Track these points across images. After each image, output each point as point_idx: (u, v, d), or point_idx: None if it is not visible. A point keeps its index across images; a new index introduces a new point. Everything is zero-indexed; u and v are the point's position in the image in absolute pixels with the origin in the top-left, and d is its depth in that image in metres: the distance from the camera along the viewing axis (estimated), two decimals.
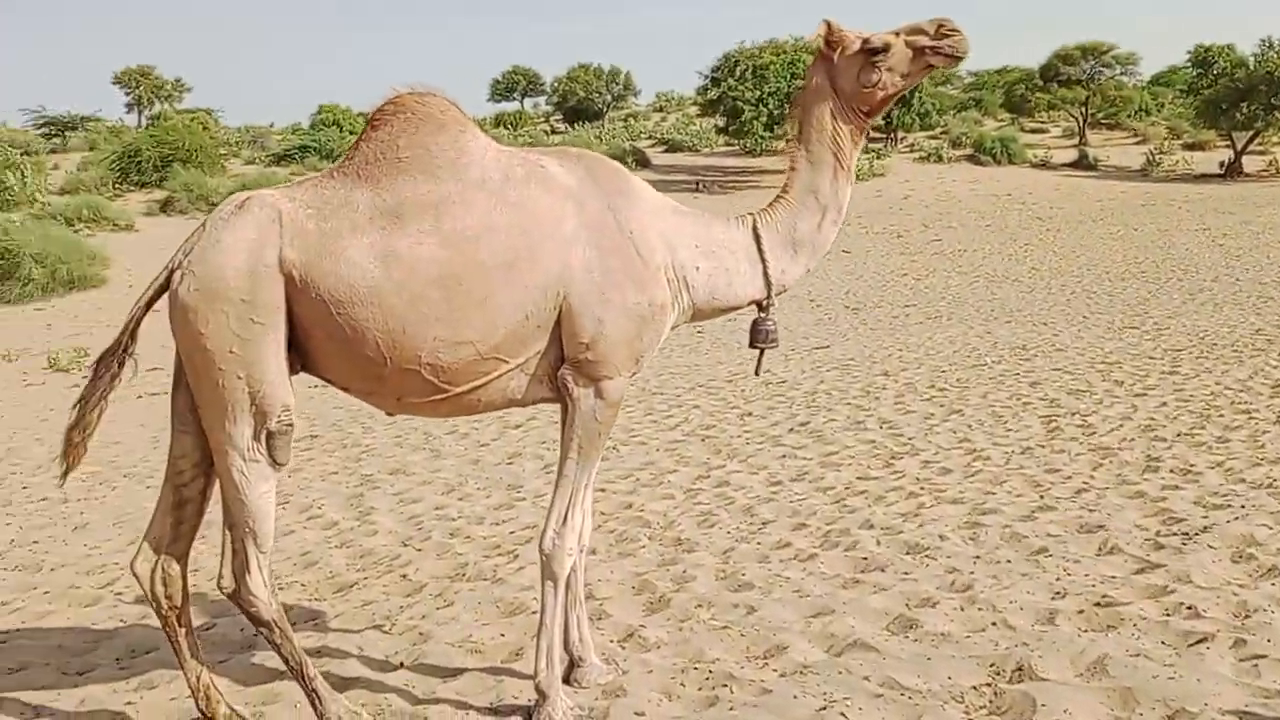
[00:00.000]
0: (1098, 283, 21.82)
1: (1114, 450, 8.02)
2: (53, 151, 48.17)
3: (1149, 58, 75.26)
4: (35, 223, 25.89)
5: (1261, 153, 46.50)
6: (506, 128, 56.59)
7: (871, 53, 3.89)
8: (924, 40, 3.87)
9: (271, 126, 58.06)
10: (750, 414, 10.18)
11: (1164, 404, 9.70)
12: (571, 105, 59.82)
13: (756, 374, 4.38)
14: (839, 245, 30.63)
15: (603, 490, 7.39)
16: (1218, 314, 16.51)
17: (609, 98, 59.55)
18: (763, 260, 4.01)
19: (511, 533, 6.55)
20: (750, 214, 4.11)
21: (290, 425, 3.64)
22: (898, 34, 3.91)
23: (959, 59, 3.90)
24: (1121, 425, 8.90)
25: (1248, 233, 28.89)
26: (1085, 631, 4.70)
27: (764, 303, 4.11)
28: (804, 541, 6.11)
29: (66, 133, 52.77)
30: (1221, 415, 8.93)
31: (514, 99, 71.83)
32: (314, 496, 7.63)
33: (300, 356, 3.71)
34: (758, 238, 4.02)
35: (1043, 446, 8.30)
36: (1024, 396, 10.44)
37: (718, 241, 4.00)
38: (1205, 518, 6.12)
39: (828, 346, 15.13)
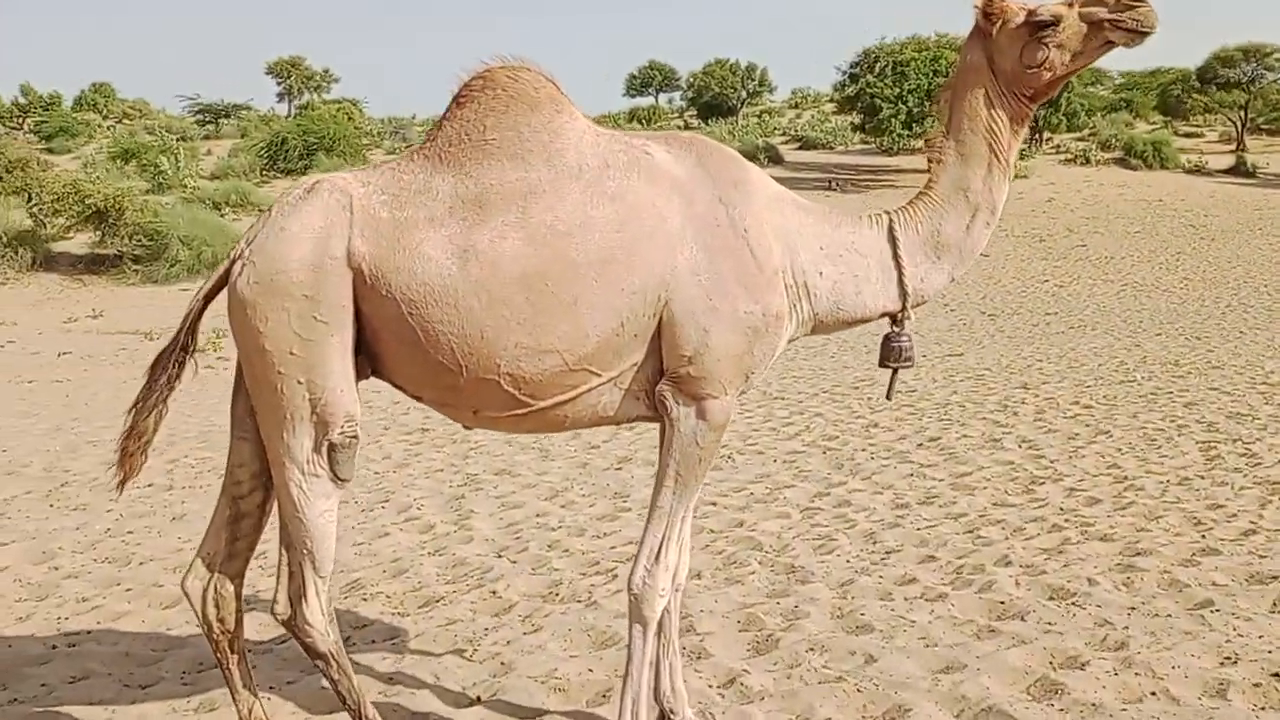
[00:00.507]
0: (1255, 296, 20.38)
1: None
2: (206, 138, 49.68)
3: None
4: (185, 206, 26.50)
5: None
6: (640, 123, 56.27)
7: (1039, 26, 3.27)
8: (1102, 12, 3.23)
9: (414, 118, 58.84)
10: (876, 425, 9.53)
11: None
12: (706, 100, 59.06)
13: (888, 397, 3.77)
14: None
15: (713, 504, 6.86)
16: None
17: (744, 94, 58.65)
18: (898, 266, 3.42)
19: (612, 548, 6.07)
20: (887, 212, 3.51)
21: (355, 437, 3.21)
22: (1071, 4, 3.28)
23: (1145, 34, 3.21)
24: None
25: None
26: (1262, 709, 4.00)
27: (898, 315, 3.53)
28: (932, 577, 5.47)
29: (220, 120, 54.37)
30: None
31: (649, 94, 71.52)
32: (415, 496, 7.28)
33: (370, 360, 3.27)
34: (894, 240, 3.43)
35: (1202, 477, 7.48)
36: (1178, 419, 9.55)
37: (846, 243, 3.42)
38: None
39: (961, 354, 14.29)
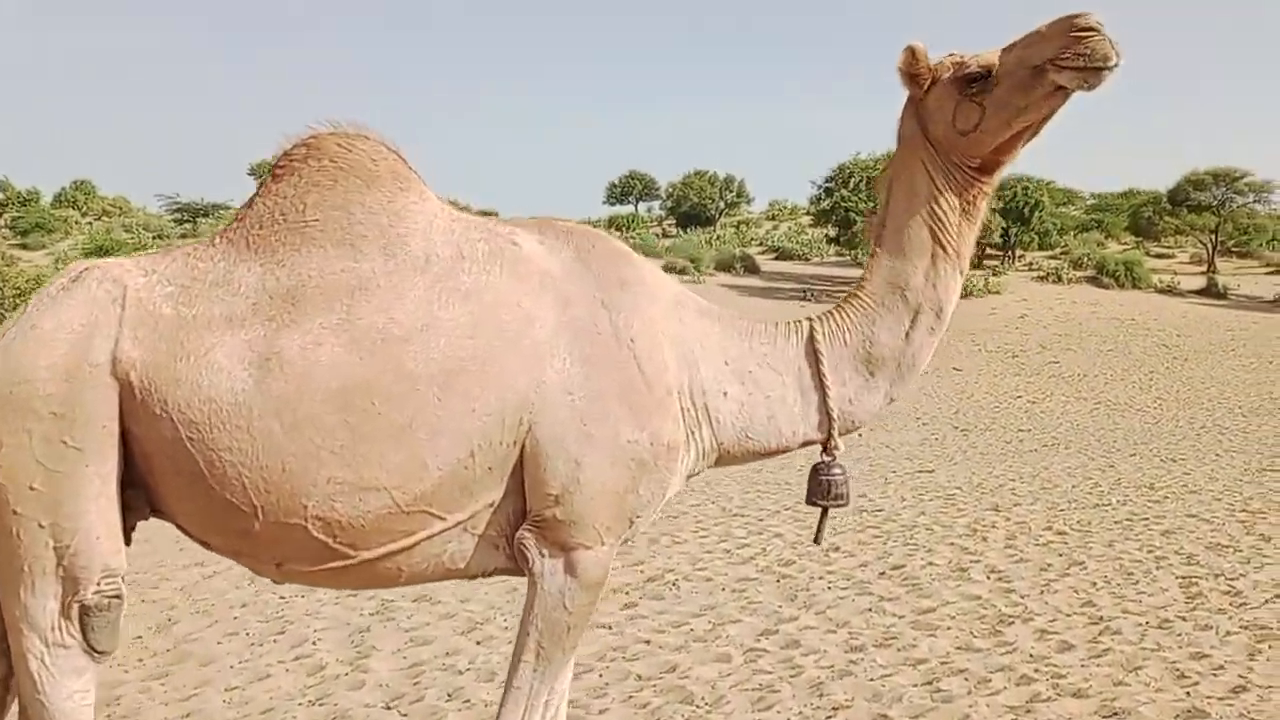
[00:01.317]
0: (1230, 417, 19.89)
1: (1273, 631, 6.47)
2: (183, 236, 49.27)
3: None
4: None
5: None
6: (618, 230, 56.38)
7: (967, 81, 2.67)
8: (1045, 51, 2.58)
9: None
10: (838, 549, 8.81)
11: None
12: (684, 210, 59.36)
13: (816, 541, 3.07)
14: (948, 361, 29.04)
15: (646, 643, 6.11)
16: None
17: (722, 204, 58.94)
18: (821, 385, 2.77)
19: None
20: (809, 319, 2.87)
21: (117, 597, 2.49)
22: (1011, 48, 2.66)
23: (1100, 70, 2.54)
24: (1277, 596, 7.32)
25: None
26: None
27: (826, 444, 2.86)
28: None
29: (198, 219, 54.08)
30: None
31: (629, 203, 71.94)
32: (316, 627, 6.49)
33: (146, 494, 2.58)
34: (816, 353, 2.78)
35: (1184, 619, 6.78)
36: (1156, 549, 8.87)
37: (758, 357, 2.77)
38: None
39: (932, 471, 13.64)
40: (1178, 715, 5.00)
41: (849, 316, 2.77)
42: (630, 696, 5.18)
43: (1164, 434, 17.75)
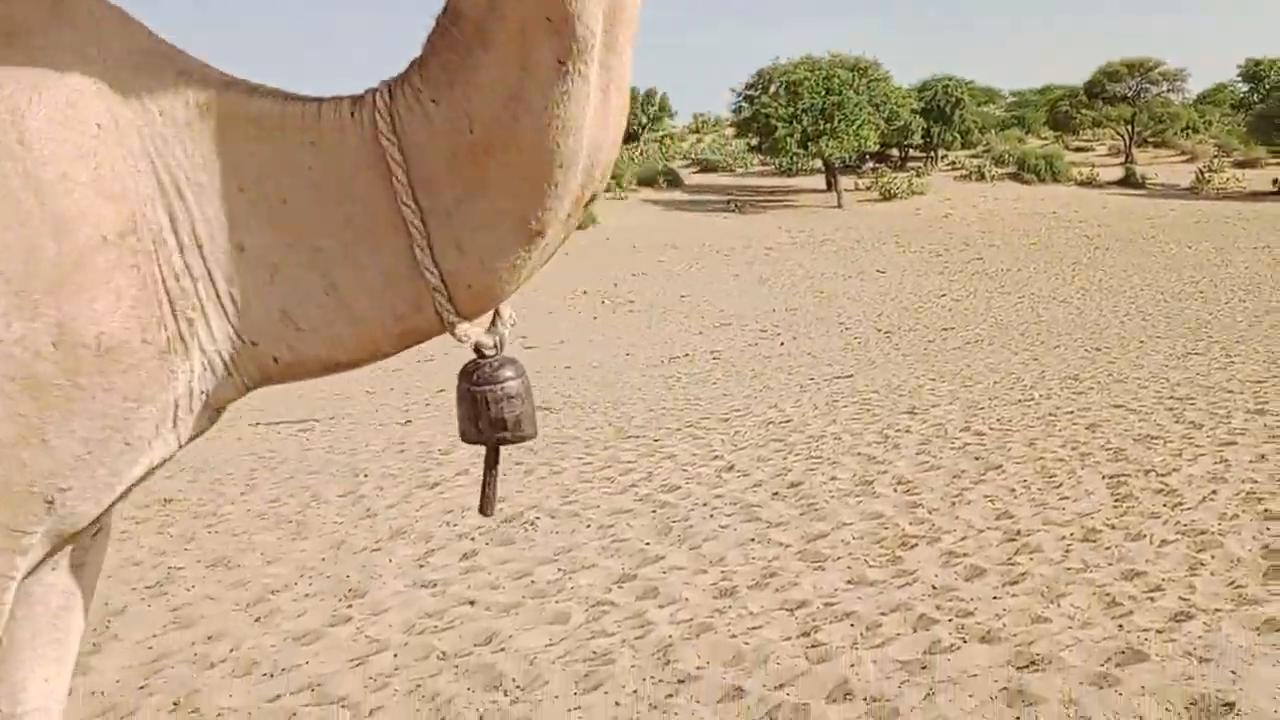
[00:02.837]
0: (1153, 304, 19.13)
1: (1215, 535, 5.42)
2: None
3: (1197, 74, 71.50)
4: None
5: None
6: None
7: None
8: None
9: None
10: (732, 468, 7.68)
11: (1263, 457, 7.07)
12: None
13: (484, 511, 1.76)
14: (872, 264, 27.95)
15: (471, 604, 4.90)
16: None
17: (645, 119, 56.96)
18: (420, 218, 1.46)
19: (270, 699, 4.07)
20: (376, 89, 1.51)
21: None
22: None
23: None
24: (1214, 491, 6.30)
25: None
26: None
27: (455, 331, 1.56)
28: None
29: None
30: None
31: None
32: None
33: None
34: (388, 150, 1.45)
35: (1112, 527, 5.72)
36: (1081, 444, 7.84)
37: (302, 171, 1.47)
38: None
39: (850, 376, 12.56)
40: (1109, 660, 3.89)
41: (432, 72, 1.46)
42: (418, 685, 3.94)
43: (1088, 324, 16.88)
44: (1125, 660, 3.87)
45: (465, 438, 1.57)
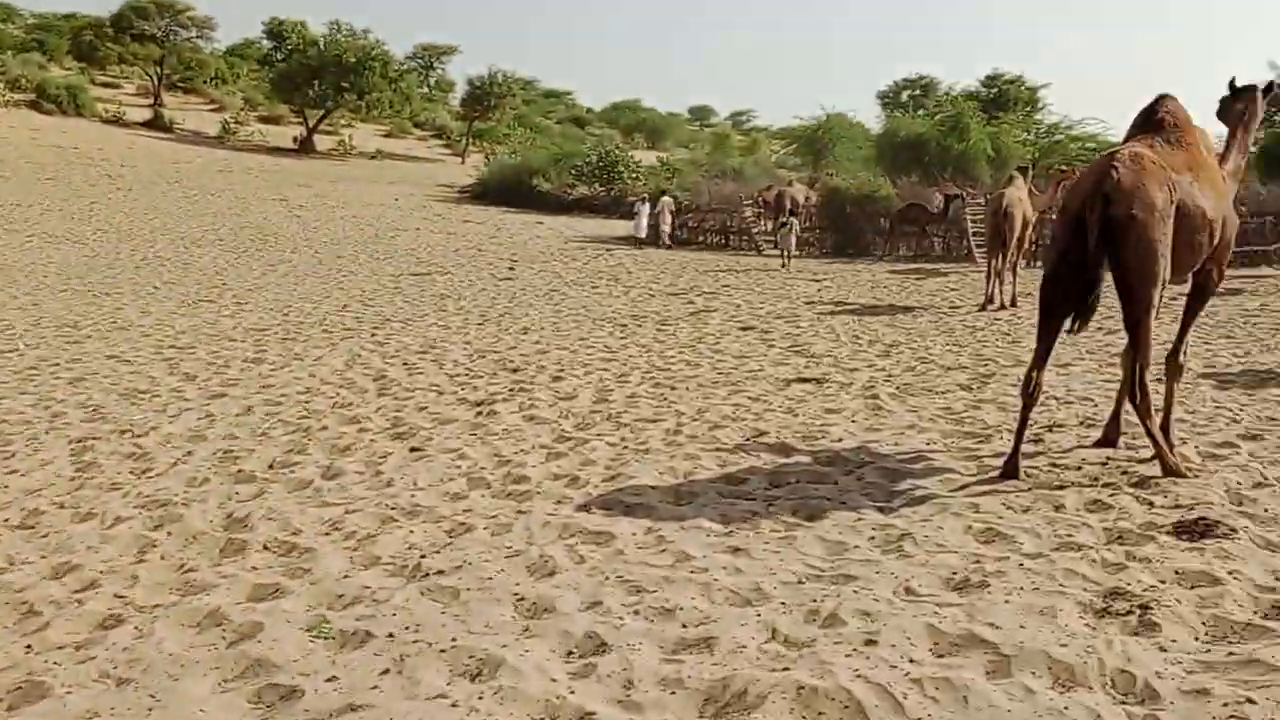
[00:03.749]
0: (172, 248, 18.91)
1: (176, 508, 4.93)
2: None
3: (226, 26, 73.07)
4: None
5: (331, 132, 46.95)
6: None
7: None
8: None
9: None
10: None
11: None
12: None
13: None
14: None
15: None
16: (301, 286, 14.62)
17: None
18: None
19: None
20: None
21: None
22: None
23: None
24: (189, 454, 5.95)
25: (323, 206, 28.13)
26: None
27: None
28: None
29: None
30: (329, 432, 6.48)
31: None
32: None
33: None
34: None
35: (62, 506, 5.07)
36: (58, 402, 7.12)
37: None
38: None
39: None
40: None
41: None
42: None
43: (100, 267, 15.98)
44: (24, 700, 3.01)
45: None
